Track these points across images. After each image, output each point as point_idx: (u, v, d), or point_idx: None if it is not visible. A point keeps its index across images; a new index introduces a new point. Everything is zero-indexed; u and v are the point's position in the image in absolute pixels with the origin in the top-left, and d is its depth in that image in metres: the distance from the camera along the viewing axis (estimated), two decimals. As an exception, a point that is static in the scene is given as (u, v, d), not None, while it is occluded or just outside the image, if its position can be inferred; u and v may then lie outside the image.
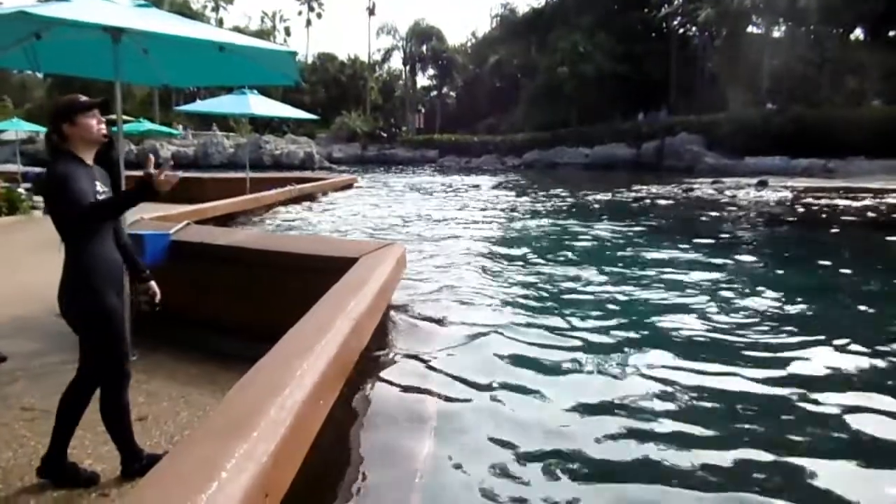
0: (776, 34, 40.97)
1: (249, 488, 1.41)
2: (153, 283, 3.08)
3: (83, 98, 2.70)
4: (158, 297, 3.08)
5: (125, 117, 17.06)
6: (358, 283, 3.57)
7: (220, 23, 61.44)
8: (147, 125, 24.98)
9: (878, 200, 16.87)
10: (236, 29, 59.61)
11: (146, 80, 6.58)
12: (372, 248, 4.70)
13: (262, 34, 63.35)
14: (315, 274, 4.20)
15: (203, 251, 5.01)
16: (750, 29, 42.45)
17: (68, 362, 4.26)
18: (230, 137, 44.17)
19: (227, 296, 4.87)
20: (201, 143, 43.22)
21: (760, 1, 38.07)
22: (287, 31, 73.65)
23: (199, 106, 18.48)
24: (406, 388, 3.49)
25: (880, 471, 2.86)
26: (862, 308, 5.91)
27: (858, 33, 39.99)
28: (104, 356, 2.73)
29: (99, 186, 2.68)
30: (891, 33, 37.63)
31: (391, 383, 3.54)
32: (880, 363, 4.25)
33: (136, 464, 2.81)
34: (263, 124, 47.23)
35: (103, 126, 2.70)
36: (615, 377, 3.91)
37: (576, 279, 7.01)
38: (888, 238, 10.71)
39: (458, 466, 2.69)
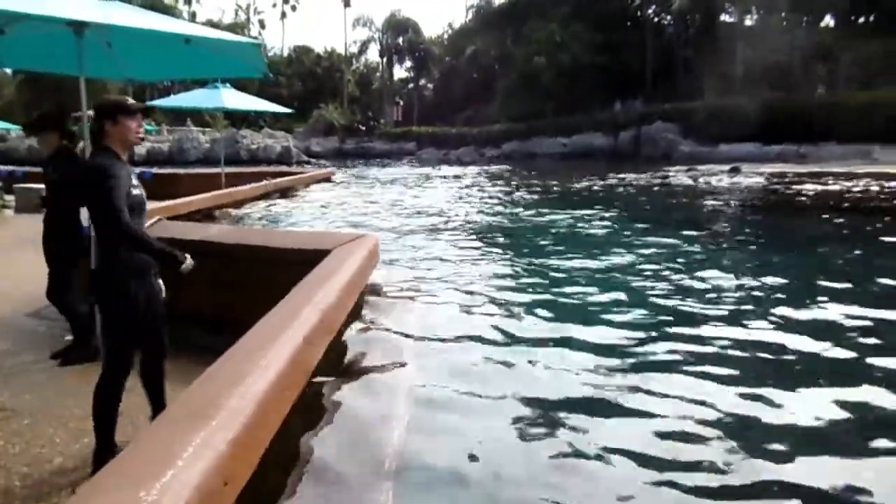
0: (748, 22, 41.41)
1: (206, 475, 1.43)
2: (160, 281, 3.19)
3: (130, 101, 2.90)
4: (164, 292, 3.16)
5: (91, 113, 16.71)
6: (328, 274, 3.58)
7: (192, 16, 60.61)
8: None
9: (847, 184, 17.22)
10: (209, 22, 58.76)
11: (111, 73, 6.48)
12: (345, 240, 4.71)
13: (235, 27, 62.58)
14: (288, 267, 4.20)
15: (175, 246, 4.96)
16: (723, 17, 42.88)
17: (38, 361, 4.25)
18: (206, 133, 43.60)
19: (201, 291, 4.84)
20: (176, 138, 42.58)
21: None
22: (262, 24, 72.82)
23: (172, 101, 18.21)
24: (377, 378, 3.51)
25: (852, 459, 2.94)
26: (829, 285, 6.04)
27: (829, 21, 40.60)
28: (115, 343, 2.88)
29: (134, 180, 2.85)
30: (860, 20, 38.27)
31: (362, 373, 3.56)
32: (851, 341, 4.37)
33: (108, 457, 2.81)
34: (240, 119, 46.70)
35: (142, 129, 2.93)
36: (592, 363, 3.96)
37: (554, 267, 7.09)
38: (856, 221, 10.96)
39: (429, 456, 2.70)
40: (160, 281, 3.14)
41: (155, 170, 18.12)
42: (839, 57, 33.60)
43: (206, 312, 4.66)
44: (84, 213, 4.55)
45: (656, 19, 47.29)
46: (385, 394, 3.30)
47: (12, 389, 3.75)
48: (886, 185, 16.88)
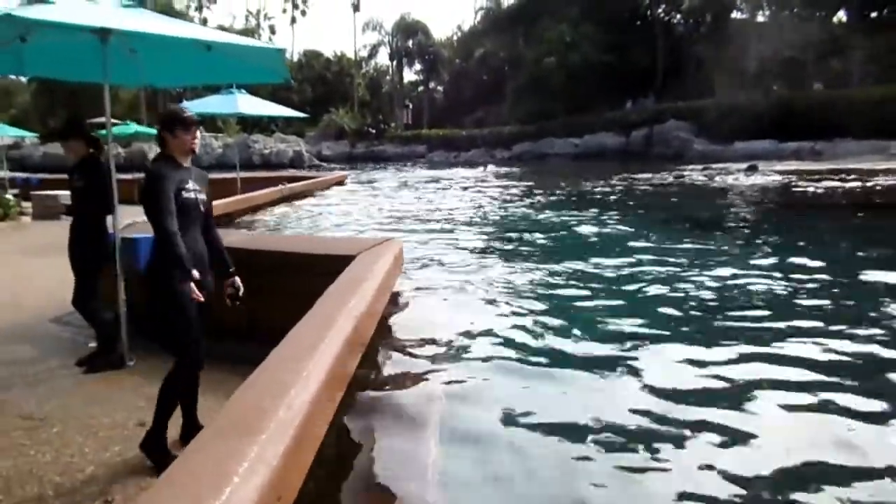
0: (760, 19, 41.08)
1: (262, 492, 1.39)
2: (237, 279, 3.31)
3: (187, 115, 3.11)
4: (242, 290, 3.28)
5: (113, 120, 16.86)
6: (357, 281, 3.55)
7: (203, 22, 60.90)
8: (134, 128, 24.72)
9: (865, 182, 16.98)
10: (221, 27, 59.12)
11: (133, 81, 6.52)
12: (369, 245, 4.68)
13: (246, 33, 62.78)
14: (313, 273, 4.17)
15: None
16: (734, 14, 42.57)
17: (63, 368, 4.24)
18: (218, 138, 43.86)
19: (221, 300, 4.82)
20: (189, 144, 42.86)
21: (744, -14, 38.17)
22: (272, 30, 73.13)
23: (191, 107, 18.26)
24: (410, 384, 3.48)
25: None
26: (850, 289, 5.94)
27: (841, 16, 40.20)
28: (182, 341, 2.99)
29: (191, 185, 3.06)
30: (873, 14, 37.85)
31: (395, 380, 3.53)
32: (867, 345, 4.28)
33: (161, 451, 2.95)
34: (252, 124, 46.87)
35: (197, 141, 3.12)
36: (618, 368, 3.91)
37: (575, 269, 7.03)
38: (876, 219, 10.80)
39: (469, 459, 2.68)
40: (236, 278, 3.27)
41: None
42: (852, 52, 33.20)
43: (232, 322, 4.63)
44: (109, 220, 4.56)
45: (666, 18, 47.03)
46: (419, 401, 3.26)
47: (38, 397, 3.75)
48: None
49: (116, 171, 4.59)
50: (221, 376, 4.03)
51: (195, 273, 2.86)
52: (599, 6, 46.60)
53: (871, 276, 6.44)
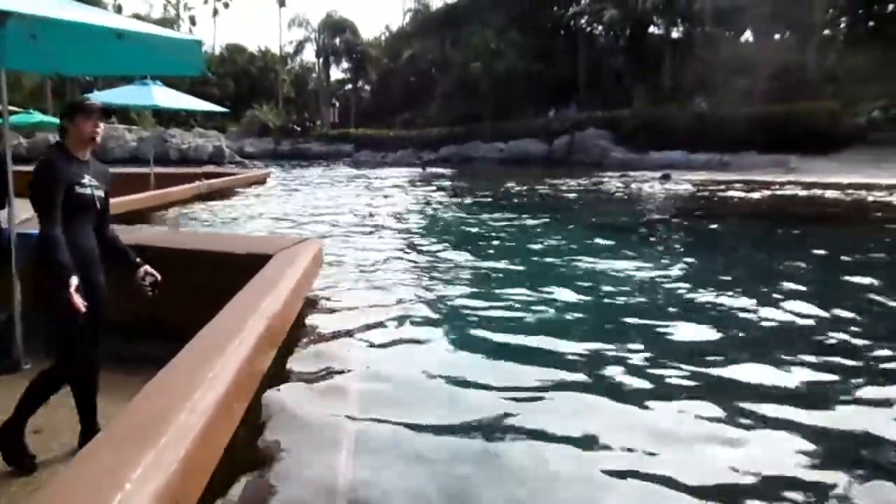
0: (675, 35, 43.18)
1: (157, 499, 1.35)
2: (147, 266, 3.18)
3: (90, 102, 3.00)
4: (158, 277, 3.15)
5: (12, 108, 15.87)
6: (271, 281, 3.48)
7: (118, 9, 57.92)
8: (38, 117, 23.19)
9: (765, 192, 18.24)
10: (136, 16, 56.38)
11: (35, 67, 6.13)
12: (287, 245, 4.60)
13: (164, 23, 60.18)
14: (227, 272, 4.06)
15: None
16: (651, 29, 44.58)
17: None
18: (132, 130, 41.81)
19: (131, 298, 4.62)
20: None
21: (660, 3, 39.96)
22: (192, 21, 70.35)
23: (98, 97, 17.28)
24: (323, 388, 3.43)
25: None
26: (753, 287, 6.35)
27: (748, 36, 42.87)
28: (64, 338, 2.86)
29: (87, 179, 2.90)
30: (776, 36, 40.57)
31: (308, 383, 3.47)
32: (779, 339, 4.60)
33: (17, 451, 2.83)
34: (169, 117, 45.01)
35: (99, 130, 2.97)
36: (532, 363, 4.01)
37: (492, 269, 7.16)
38: (775, 226, 11.60)
39: (380, 467, 2.66)
40: (146, 266, 3.15)
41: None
42: (758, 70, 35.49)
43: (139, 320, 4.44)
44: (3, 214, 4.27)
45: (588, 29, 48.58)
46: (333, 405, 3.22)
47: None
48: (802, 193, 17.99)
49: (16, 163, 4.31)
50: (124, 377, 3.87)
51: (73, 281, 2.68)
52: (524, 15, 47.66)
53: (772, 277, 6.89)
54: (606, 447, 2.95)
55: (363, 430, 2.96)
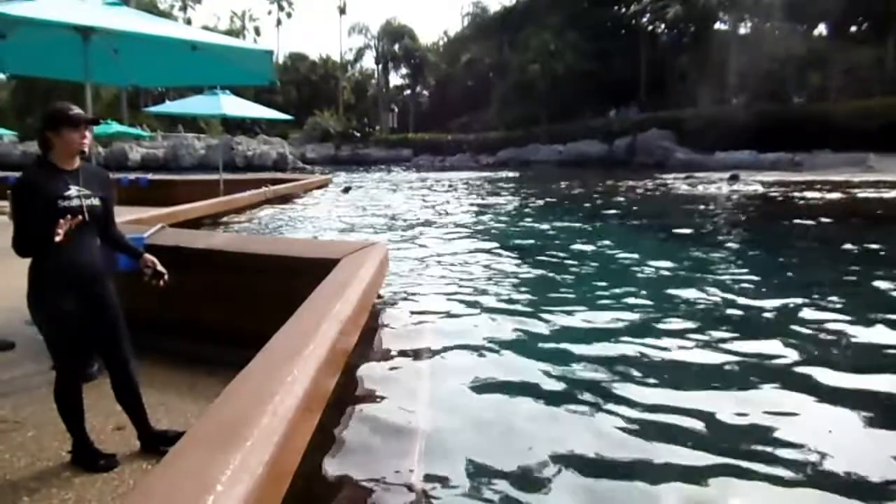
0: (742, 31, 41.73)
1: (245, 501, 1.36)
2: (147, 256, 3.12)
3: (75, 112, 2.81)
4: (159, 266, 3.09)
5: (92, 119, 16.58)
6: (342, 285, 3.51)
7: (188, 22, 60.45)
8: (115, 127, 24.49)
9: (843, 193, 17.30)
10: (205, 28, 58.65)
11: (116, 80, 6.46)
12: (353, 249, 4.64)
13: (231, 34, 62.47)
14: (296, 276, 4.13)
15: (180, 254, 4.88)
16: (717, 26, 43.19)
17: (39, 373, 4.15)
18: (201, 139, 43.48)
19: (206, 300, 4.76)
20: (171, 144, 42.45)
21: (727, -2, 38.77)
22: (257, 31, 72.83)
23: (170, 107, 18.15)
24: (395, 391, 3.44)
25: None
26: (832, 297, 6.02)
27: (822, 29, 40.96)
28: (54, 355, 2.86)
29: (74, 191, 2.78)
30: (852, 29, 38.61)
31: (380, 387, 3.49)
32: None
33: (88, 457, 2.90)
34: (235, 125, 46.59)
35: (87, 140, 2.84)
36: (607, 373, 3.91)
37: (563, 274, 7.05)
38: (856, 230, 10.99)
39: (452, 469, 2.65)
40: (146, 255, 3.09)
41: (151, 176, 18.02)
42: (831, 66, 33.88)
43: (212, 324, 4.58)
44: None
45: (650, 27, 47.53)
46: (403, 410, 3.22)
47: (14, 401, 3.67)
48: (886, 194, 16.98)
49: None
50: (198, 380, 4.00)
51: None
52: (583, 15, 47.06)
53: (851, 287, 6.53)
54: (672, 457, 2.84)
55: (433, 434, 2.95)
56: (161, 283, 3.08)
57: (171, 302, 4.70)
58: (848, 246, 9.33)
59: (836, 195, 16.97)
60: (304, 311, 2.98)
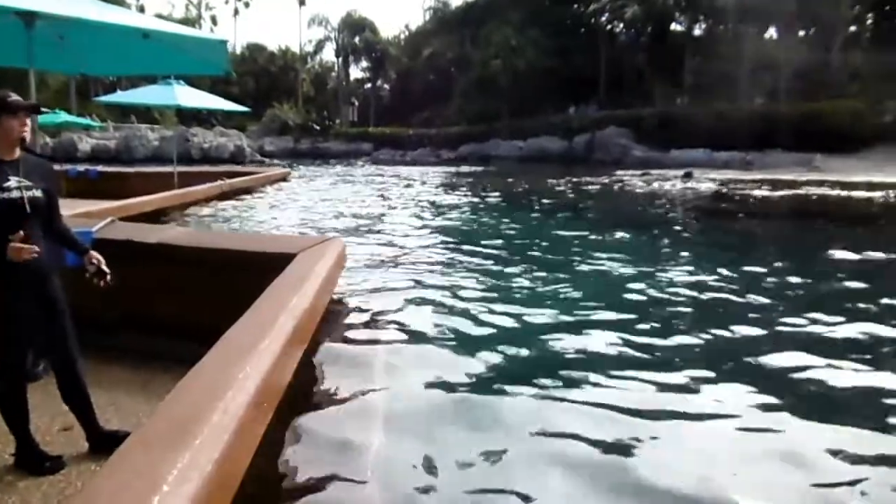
0: (697, 32, 42.74)
1: (194, 500, 1.34)
2: (92, 253, 2.99)
3: (12, 98, 2.70)
4: (103, 265, 2.96)
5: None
6: (298, 280, 3.47)
7: (141, 10, 58.68)
8: (64, 116, 23.63)
9: (789, 191, 17.95)
10: (159, 16, 57.02)
11: (63, 68, 6.23)
12: (310, 244, 4.59)
13: (186, 23, 60.90)
14: (252, 271, 4.06)
15: (130, 249, 4.75)
16: (674, 27, 44.14)
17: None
18: (155, 130, 42.32)
19: (159, 296, 4.66)
20: (123, 135, 41.17)
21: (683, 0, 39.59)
22: (213, 20, 71.09)
23: (122, 97, 17.61)
24: (351, 386, 3.42)
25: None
26: (781, 291, 6.25)
27: (772, 33, 42.27)
28: (5, 355, 2.76)
29: (13, 182, 2.67)
30: (801, 33, 39.94)
31: (336, 382, 3.47)
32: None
33: (33, 460, 2.81)
34: (190, 116, 45.51)
35: (27, 128, 2.73)
36: (558, 363, 3.97)
37: (515, 266, 7.13)
38: (799, 226, 11.42)
39: (409, 461, 2.65)
40: (91, 252, 2.97)
41: (101, 168, 17.46)
42: (781, 68, 35.00)
43: (165, 320, 4.48)
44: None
45: (609, 26, 48.22)
46: (358, 405, 3.21)
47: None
48: (829, 192, 17.67)
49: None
50: (151, 377, 3.91)
51: None
52: (544, 12, 47.46)
53: (793, 278, 6.78)
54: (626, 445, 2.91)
55: (390, 431, 2.95)
56: (102, 283, 2.97)
57: (122, 298, 4.57)
58: (791, 240, 9.68)
59: (782, 193, 17.60)
60: (259, 305, 2.94)
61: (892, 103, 29.75)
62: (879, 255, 8.37)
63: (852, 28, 38.29)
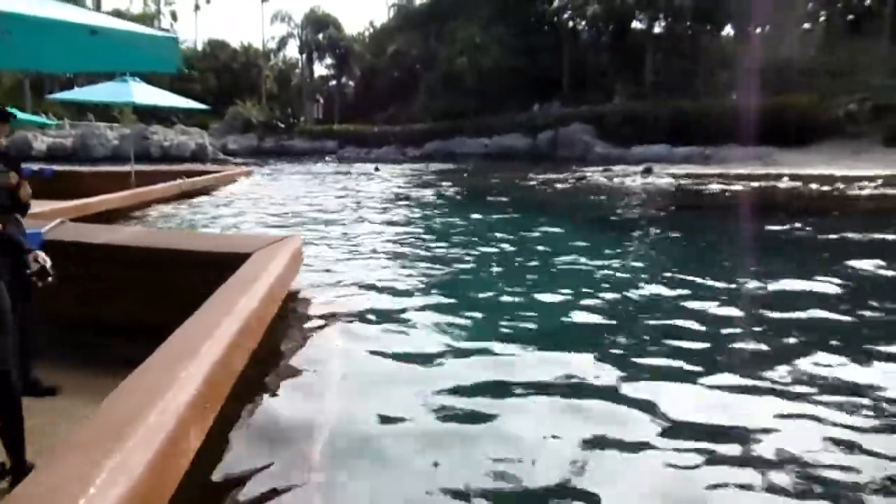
0: (657, 30, 43.44)
1: (124, 503, 1.34)
2: (38, 252, 2.92)
3: None
4: (49, 263, 2.89)
5: (-13, 106, 15.54)
6: (249, 280, 3.46)
7: (97, 4, 57.13)
8: (18, 115, 22.85)
9: (745, 185, 18.46)
10: (116, 12, 55.58)
11: (10, 64, 6.05)
12: (266, 243, 4.58)
13: (144, 18, 59.58)
14: (206, 272, 4.03)
15: (80, 251, 4.67)
16: (634, 25, 44.82)
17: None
18: (113, 128, 41.25)
19: (110, 298, 4.58)
20: (80, 133, 40.00)
21: (643, -2, 40.21)
22: (173, 16, 69.39)
23: (76, 94, 17.13)
24: (302, 387, 3.41)
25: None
26: (730, 278, 6.42)
27: (728, 31, 43.23)
28: None
29: None
30: (757, 30, 40.98)
31: (286, 382, 3.45)
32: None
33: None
34: (150, 114, 44.45)
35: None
36: (513, 364, 4.01)
37: (475, 263, 7.18)
38: (753, 217, 11.74)
39: (353, 468, 2.64)
40: (36, 252, 2.92)
41: (56, 167, 16.99)
42: (737, 64, 35.89)
43: (117, 321, 4.41)
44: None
45: (572, 24, 48.68)
46: (308, 404, 3.20)
47: None
48: (782, 185, 18.20)
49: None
50: (100, 380, 3.83)
51: None
52: (508, 10, 47.66)
53: (739, 266, 6.97)
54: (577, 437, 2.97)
55: (337, 430, 2.93)
56: (41, 284, 2.90)
57: (72, 300, 4.49)
58: (744, 231, 9.95)
59: (739, 186, 18.06)
60: (206, 306, 2.93)
61: (843, 98, 30.71)
62: (828, 243, 8.67)
63: (806, 26, 39.40)
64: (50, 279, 2.92)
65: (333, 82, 68.87)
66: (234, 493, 2.35)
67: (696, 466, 2.76)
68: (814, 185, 17.76)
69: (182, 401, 1.85)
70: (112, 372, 3.70)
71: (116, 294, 4.55)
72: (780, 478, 2.65)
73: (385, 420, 3.12)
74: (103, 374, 3.87)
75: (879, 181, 17.81)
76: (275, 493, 2.39)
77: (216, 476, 2.43)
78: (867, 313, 5.27)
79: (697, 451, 2.88)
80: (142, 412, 1.71)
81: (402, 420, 3.14)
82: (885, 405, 3.41)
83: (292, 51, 68.20)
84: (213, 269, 3.97)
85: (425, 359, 4.04)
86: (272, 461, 2.61)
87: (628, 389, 3.58)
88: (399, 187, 19.90)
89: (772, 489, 2.57)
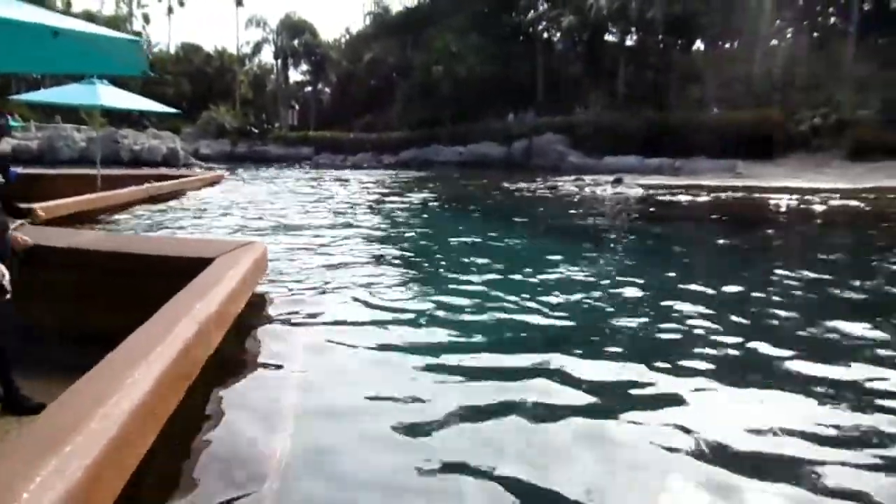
0: (629, 43, 44.18)
1: (58, 507, 1.33)
2: None
3: None
4: (7, 278, 2.86)
5: (-51, 106, 15.25)
6: (209, 285, 3.43)
7: (67, 6, 56.13)
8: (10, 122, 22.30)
9: (711, 196, 18.87)
10: (87, 14, 54.75)
11: (-32, 65, 5.91)
12: (229, 248, 4.54)
13: (116, 20, 58.79)
14: (167, 277, 3.98)
15: (36, 254, 4.57)
16: (608, 37, 45.51)
17: None
18: (81, 130, 40.46)
19: (67, 303, 4.49)
20: (47, 136, 39.14)
21: (615, 11, 40.79)
22: (146, 19, 68.54)
23: (41, 95, 16.82)
24: (260, 395, 3.38)
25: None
26: (702, 288, 6.54)
27: (699, 45, 44.12)
28: None
29: None
30: (726, 45, 41.93)
31: (243, 389, 3.42)
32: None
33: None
34: (120, 117, 43.80)
35: None
36: (479, 370, 4.03)
37: (442, 272, 7.19)
38: (720, 228, 11.99)
39: (314, 474, 2.63)
40: None
41: (20, 169, 16.61)
42: (707, 78, 36.68)
43: (74, 328, 4.32)
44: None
45: (546, 35, 49.24)
46: (266, 415, 3.17)
47: None
48: (747, 196, 18.61)
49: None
50: (59, 388, 3.76)
51: None
52: (484, 20, 48.05)
53: (709, 277, 7.11)
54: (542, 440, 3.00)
55: (296, 442, 2.90)
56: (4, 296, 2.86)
57: (27, 305, 4.40)
58: (710, 241, 10.13)
59: (705, 197, 18.43)
60: (162, 312, 2.90)
61: (807, 113, 31.56)
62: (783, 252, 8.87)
63: (773, 42, 40.37)
64: (7, 296, 2.87)
65: (309, 88, 68.57)
66: (186, 498, 2.32)
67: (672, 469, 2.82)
68: (773, 196, 18.23)
69: (126, 408, 1.83)
70: (69, 380, 3.66)
71: (74, 300, 4.47)
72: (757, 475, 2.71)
73: (348, 421, 3.13)
74: (60, 381, 3.80)
75: (837, 195, 18.36)
76: (227, 495, 2.36)
77: (165, 482, 2.40)
78: (812, 312, 5.42)
79: (670, 449, 2.94)
80: (83, 418, 1.69)
81: (365, 422, 3.14)
82: (845, 395, 3.52)
83: (267, 56, 67.85)
84: (175, 273, 3.93)
85: (386, 361, 4.05)
86: (226, 467, 2.59)
87: (586, 387, 3.63)
88: (371, 193, 19.87)
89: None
